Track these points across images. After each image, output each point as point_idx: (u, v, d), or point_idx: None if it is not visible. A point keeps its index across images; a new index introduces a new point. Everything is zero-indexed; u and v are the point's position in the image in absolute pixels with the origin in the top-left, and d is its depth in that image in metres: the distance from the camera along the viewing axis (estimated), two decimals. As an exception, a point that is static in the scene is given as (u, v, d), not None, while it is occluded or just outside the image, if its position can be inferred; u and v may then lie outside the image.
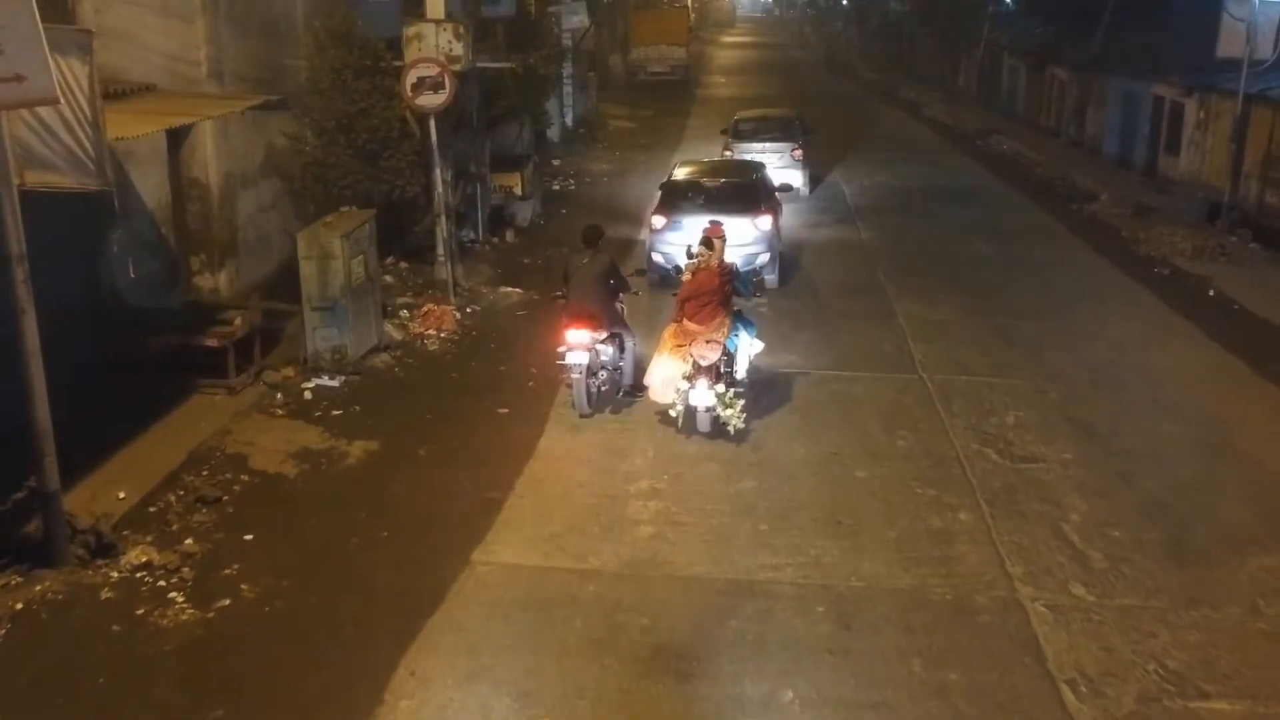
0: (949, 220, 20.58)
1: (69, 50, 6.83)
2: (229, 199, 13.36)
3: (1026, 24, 35.98)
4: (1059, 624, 7.32)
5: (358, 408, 10.93)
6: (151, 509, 8.64)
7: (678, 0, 44.56)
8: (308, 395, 11.10)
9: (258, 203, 14.12)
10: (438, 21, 13.75)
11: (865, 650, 7.01)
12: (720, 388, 10.10)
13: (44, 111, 6.88)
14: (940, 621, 7.34)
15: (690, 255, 10.85)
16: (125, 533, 8.18)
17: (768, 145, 21.76)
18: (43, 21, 6.84)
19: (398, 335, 12.91)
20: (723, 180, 16.48)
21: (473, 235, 17.04)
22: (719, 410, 10.09)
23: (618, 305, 11.08)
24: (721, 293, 10.36)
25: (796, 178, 21.05)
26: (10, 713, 6.36)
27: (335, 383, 11.40)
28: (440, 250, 14.36)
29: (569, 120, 28.94)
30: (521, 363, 12.41)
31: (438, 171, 14.11)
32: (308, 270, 11.51)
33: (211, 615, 7.29)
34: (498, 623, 7.28)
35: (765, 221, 15.17)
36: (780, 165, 20.71)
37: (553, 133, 25.16)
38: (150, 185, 11.98)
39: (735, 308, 10.69)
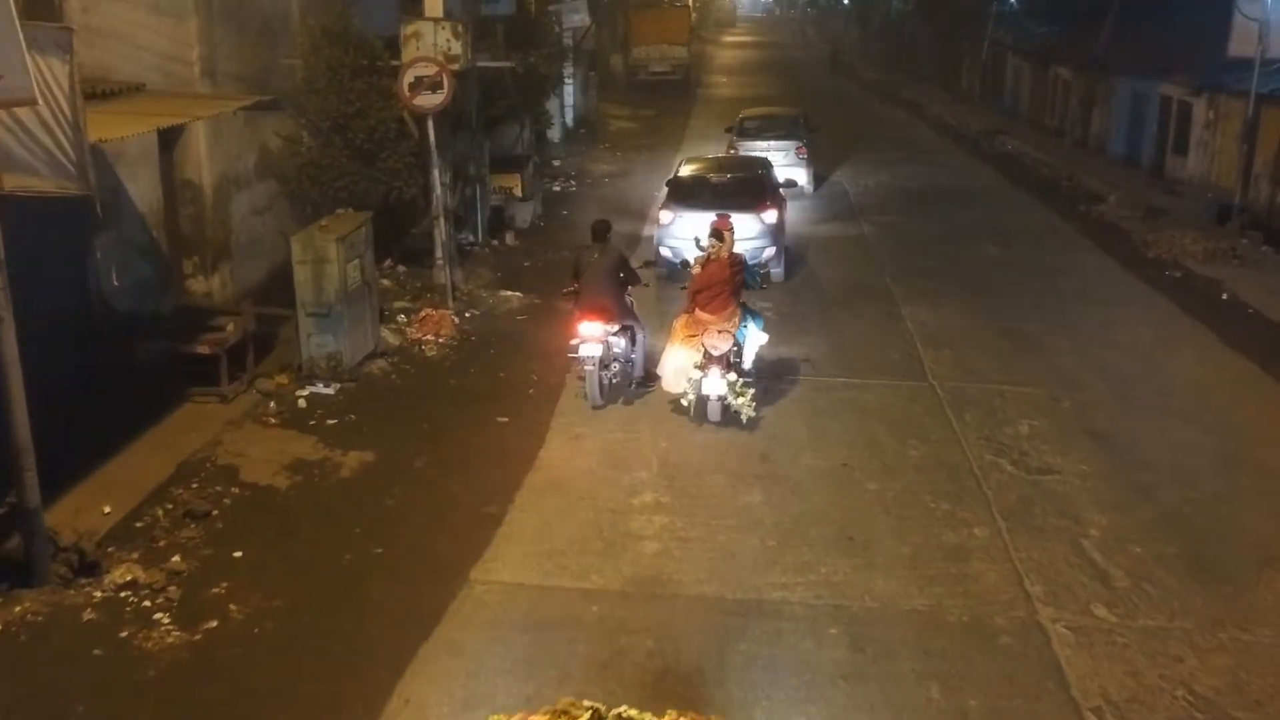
0: (954, 221, 20.28)
1: (48, 48, 6.53)
2: (223, 201, 13.07)
3: (1029, 24, 35.73)
4: (1082, 647, 7.02)
5: (353, 416, 10.63)
6: (138, 524, 8.35)
7: (679, -1, 44.34)
8: (302, 403, 10.81)
9: (252, 205, 13.83)
10: (436, 20, 13.44)
11: (880, 675, 6.71)
12: (732, 376, 10.31)
13: (21, 112, 6.58)
14: (958, 644, 7.04)
15: (700, 247, 10.96)
16: (110, 549, 7.89)
17: (772, 143, 21.70)
18: (25, 19, 6.55)
19: (395, 341, 12.61)
20: (729, 176, 16.75)
21: (472, 238, 16.74)
22: (730, 399, 10.28)
23: (627, 298, 11.15)
24: (732, 283, 10.57)
25: (801, 175, 21.02)
26: (-15, 743, 6.09)
27: (330, 390, 11.11)
28: (438, 253, 14.06)
29: (570, 120, 28.66)
30: (522, 369, 12.11)
31: (436, 173, 13.80)
32: (302, 275, 11.21)
33: (198, 638, 6.99)
34: (497, 646, 6.98)
35: (771, 216, 15.39)
36: (785, 163, 20.60)
37: (553, 133, 24.88)
38: (141, 187, 11.68)
39: (742, 299, 10.85)
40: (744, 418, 10.28)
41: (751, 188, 16.05)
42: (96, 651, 6.80)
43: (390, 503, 8.96)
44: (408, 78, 13.21)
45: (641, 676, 6.69)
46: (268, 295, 12.91)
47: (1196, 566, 8.07)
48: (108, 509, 8.38)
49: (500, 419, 10.71)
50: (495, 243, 17.46)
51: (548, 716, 3.70)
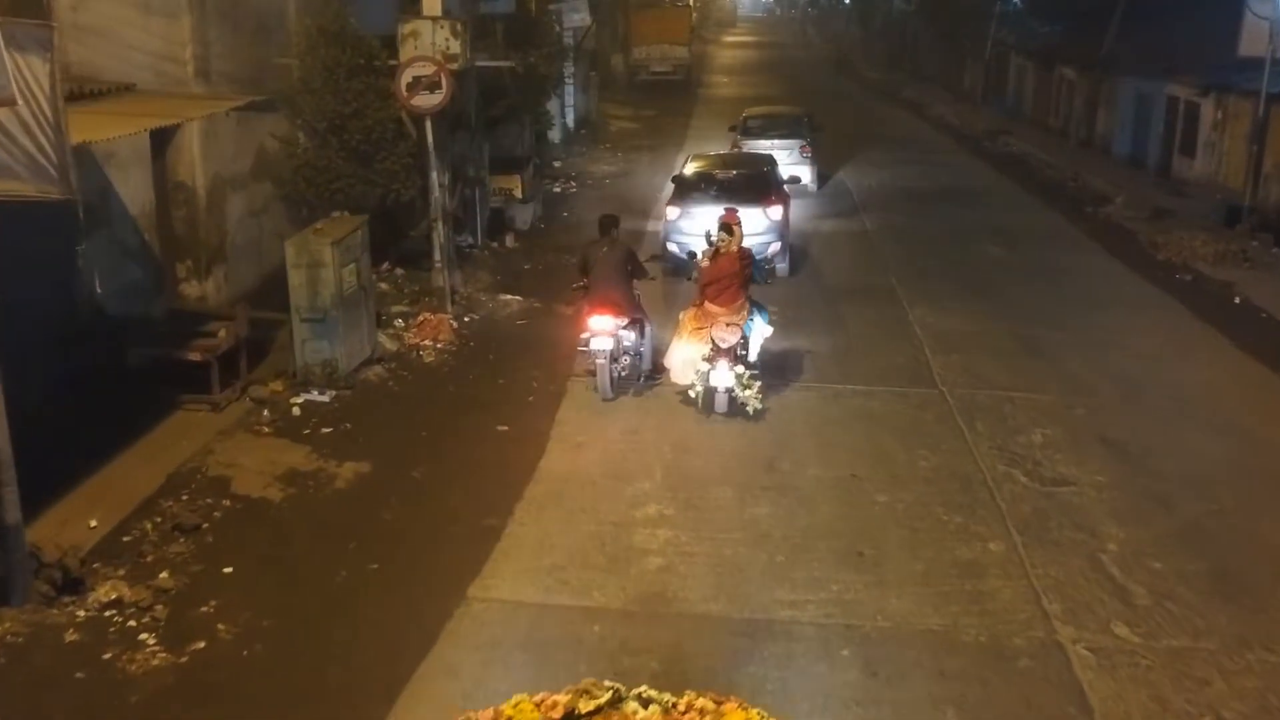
0: (959, 222, 20.03)
1: (28, 47, 6.26)
2: (217, 203, 12.81)
3: (1033, 23, 35.45)
4: (1104, 670, 6.75)
5: (348, 425, 10.36)
6: (126, 538, 8.07)
7: (679, -1, 44.02)
8: (296, 411, 10.54)
9: (248, 206, 13.57)
10: (434, 18, 13.16)
11: (895, 700, 6.44)
12: (739, 369, 10.43)
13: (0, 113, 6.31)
14: (975, 667, 6.77)
15: (710, 241, 11.03)
16: (95, 565, 7.61)
17: (776, 142, 21.68)
18: (10, 16, 6.29)
19: (392, 346, 12.34)
20: (734, 172, 16.95)
21: (471, 240, 16.46)
22: (737, 391, 10.40)
23: (634, 291, 11.28)
24: (741, 276, 10.70)
25: (806, 173, 21.00)
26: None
27: (325, 398, 10.83)
28: (437, 256, 13.77)
29: (570, 121, 28.39)
30: (522, 375, 11.85)
31: (434, 174, 13.52)
32: (296, 279, 10.94)
33: (185, 660, 6.71)
34: (495, 668, 6.71)
35: (776, 211, 15.61)
36: (789, 162, 20.43)
37: (554, 134, 24.63)
38: (132, 189, 11.41)
39: (749, 292, 10.98)
40: (750, 409, 10.38)
41: (757, 184, 16.21)
42: (78, 675, 6.52)
43: (386, 515, 8.69)
44: (405, 77, 12.93)
45: (646, 701, 6.40)
46: (263, 299, 12.62)
47: (1219, 582, 7.80)
48: (94, 523, 8.11)
49: (500, 427, 10.45)
50: (495, 245, 17.18)
51: (570, 695, 3.71)
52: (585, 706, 3.72)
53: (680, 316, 11.00)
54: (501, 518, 8.60)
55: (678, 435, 10.27)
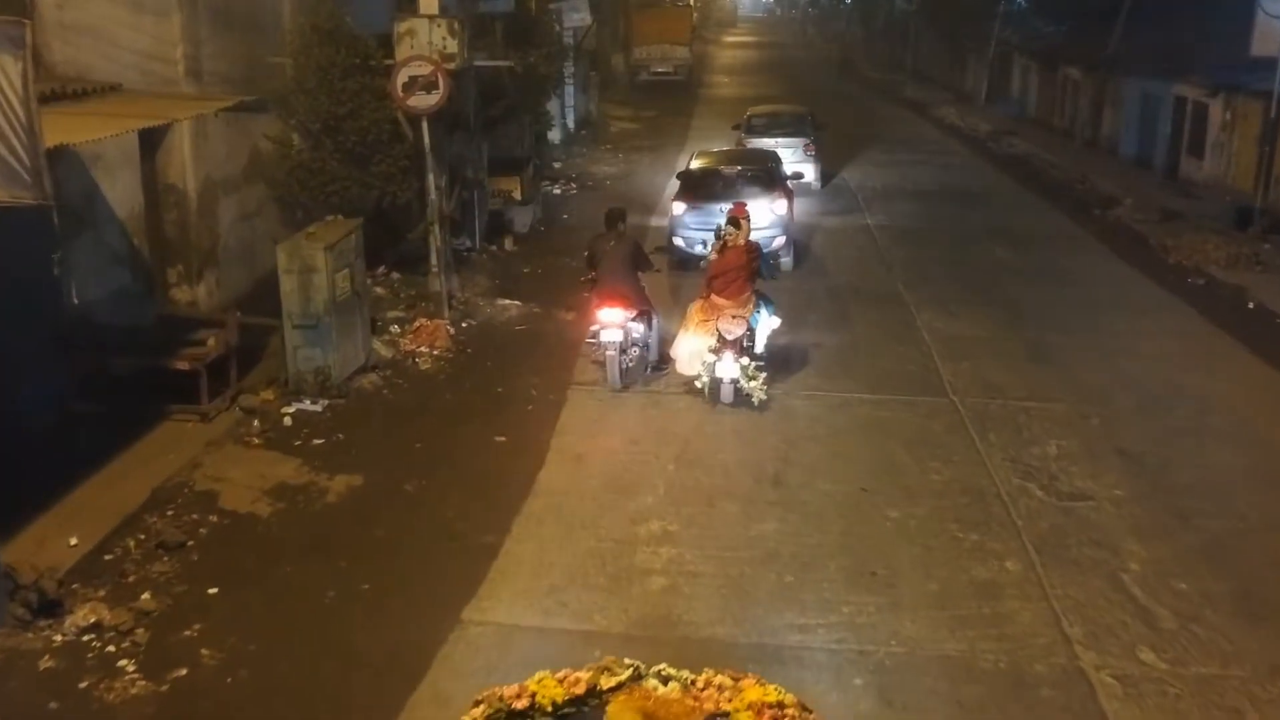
0: (966, 224, 19.72)
1: (-1, 44, 5.95)
2: (209, 206, 12.52)
3: (1036, 23, 35.14)
4: (1130, 699, 6.43)
5: (341, 436, 10.04)
6: (107, 556, 7.76)
7: (680, -1, 43.73)
8: (288, 421, 10.23)
9: (241, 209, 13.28)
10: (431, 17, 12.86)
11: (912, 733, 6.14)
12: (745, 360, 10.61)
13: (-31, 115, 6.00)
14: (994, 696, 6.45)
15: (718, 235, 11.25)
16: (74, 586, 7.30)
17: (780, 140, 21.70)
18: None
19: (387, 353, 12.02)
20: (739, 167, 17.30)
21: (469, 243, 16.14)
22: (742, 382, 10.59)
23: (641, 283, 11.47)
24: (748, 269, 10.92)
25: (809, 171, 21.22)
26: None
27: (318, 407, 10.53)
28: (434, 260, 13.47)
29: (570, 122, 28.08)
30: (520, 383, 11.53)
31: (431, 177, 13.21)
32: (288, 285, 10.63)
33: (165, 688, 6.40)
34: (491, 697, 6.38)
35: (781, 206, 15.82)
36: (793, 160, 20.42)
37: (554, 134, 24.32)
38: (120, 192, 11.12)
39: (755, 285, 11.16)
40: (755, 400, 10.58)
41: (761, 179, 16.48)
42: (53, 705, 6.21)
43: (379, 532, 8.37)
44: (401, 77, 12.62)
45: (650, 733, 6.09)
46: (257, 303, 12.31)
47: (1246, 603, 7.49)
48: (74, 540, 7.79)
49: (498, 438, 10.13)
50: (493, 248, 16.87)
51: (592, 673, 3.88)
52: (607, 682, 3.85)
53: (688, 309, 11.15)
54: (498, 534, 8.28)
55: (681, 446, 9.95)
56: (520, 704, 3.81)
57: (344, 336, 10.96)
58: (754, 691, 3.80)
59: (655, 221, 18.34)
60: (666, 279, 13.71)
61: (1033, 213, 21.18)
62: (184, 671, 6.55)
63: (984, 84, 38.02)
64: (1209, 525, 8.58)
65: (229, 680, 6.52)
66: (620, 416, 10.75)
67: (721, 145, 22.65)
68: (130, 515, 8.26)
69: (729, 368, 10.55)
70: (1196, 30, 22.89)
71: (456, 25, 12.97)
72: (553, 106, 22.43)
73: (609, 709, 3.73)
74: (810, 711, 3.88)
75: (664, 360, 11.44)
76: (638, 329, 11.30)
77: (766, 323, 11.11)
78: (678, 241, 15.64)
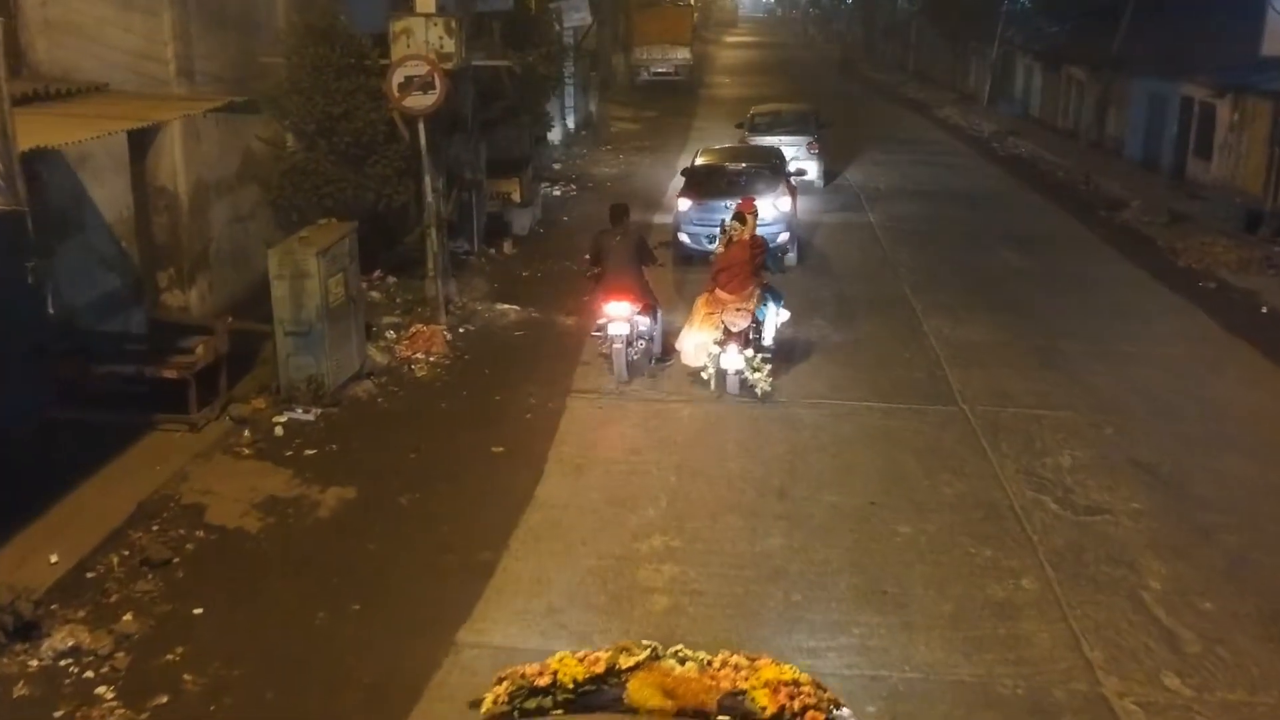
0: (971, 226, 19.44)
1: (-31, 43, 5.66)
2: (200, 209, 12.23)
3: (1040, 22, 34.83)
4: (1156, 728, 6.16)
5: (334, 446, 9.76)
6: (89, 574, 7.48)
7: (681, -2, 43.40)
8: (279, 431, 9.94)
9: (234, 212, 12.98)
10: (427, 15, 12.57)
11: (929, 766, 5.85)
12: (749, 352, 10.78)
13: (-61, 116, 5.72)
14: (1014, 725, 6.18)
15: (724, 229, 11.50)
16: (54, 607, 7.02)
17: (784, 138, 21.63)
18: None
19: (382, 360, 11.74)
20: (744, 164, 17.52)
21: (467, 247, 15.86)
22: (747, 373, 10.76)
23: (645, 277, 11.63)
24: (752, 263, 11.03)
25: (812, 168, 21.31)
26: None
27: (310, 416, 10.24)
28: (430, 264, 13.17)
29: (570, 122, 27.80)
30: (519, 391, 11.24)
31: (428, 179, 12.92)
32: (279, 291, 10.34)
33: (144, 717, 6.11)
34: (486, 726, 6.09)
35: (785, 203, 15.99)
36: (796, 158, 20.30)
37: (554, 135, 24.03)
38: (109, 194, 10.82)
39: (764, 280, 11.34)
40: (759, 391, 10.75)
41: (766, 175, 16.68)
42: (26, 736, 5.94)
43: (371, 548, 8.08)
44: (397, 77, 12.32)
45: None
46: (251, 308, 12.01)
47: (1273, 625, 7.20)
48: (55, 558, 7.50)
49: (495, 448, 9.84)
50: (492, 251, 16.58)
51: (611, 652, 3.96)
52: (626, 662, 3.92)
53: (695, 302, 11.30)
54: (495, 550, 8.00)
55: (683, 456, 9.68)
56: (542, 681, 3.90)
57: (337, 343, 10.68)
58: (770, 670, 3.88)
59: (658, 219, 18.27)
60: (671, 275, 13.85)
61: (1038, 214, 20.90)
62: (165, 699, 6.26)
63: (986, 84, 37.74)
64: (1231, 541, 8.30)
65: (211, 708, 6.23)
66: (621, 425, 10.48)
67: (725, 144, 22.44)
68: (114, 530, 7.98)
69: (733, 359, 10.72)
70: (1203, 29, 22.60)
71: (454, 24, 12.68)
72: (552, 107, 22.16)
73: (630, 685, 3.80)
74: (825, 690, 3.92)
75: (668, 353, 11.58)
76: (643, 322, 11.43)
77: (775, 316, 11.27)
78: (683, 238, 15.75)
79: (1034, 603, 7.40)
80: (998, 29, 35.86)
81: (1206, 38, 22.42)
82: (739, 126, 23.65)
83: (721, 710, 3.72)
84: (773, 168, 17.26)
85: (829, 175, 22.74)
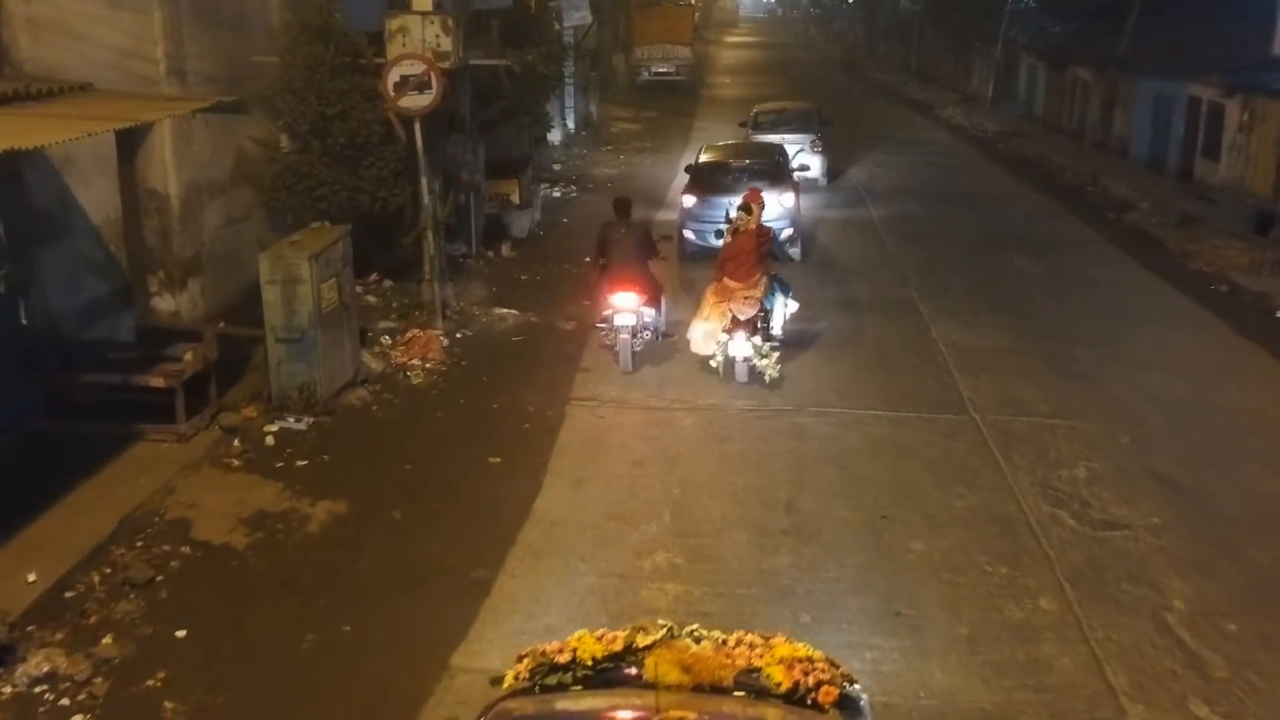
0: (978, 228, 19.10)
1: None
2: (192, 211, 11.94)
3: (1044, 21, 34.54)
4: (1185, 761, 5.86)
5: (326, 456, 9.46)
6: (68, 594, 7.19)
7: (682, -2, 43.10)
8: (270, 441, 9.65)
9: (227, 215, 12.70)
10: (424, 13, 12.31)
11: (947, 802, 5.55)
12: (757, 340, 10.99)
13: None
14: (1037, 758, 5.88)
15: (730, 220, 11.68)
16: (30, 629, 6.73)
17: (787, 136, 21.55)
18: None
19: (377, 366, 11.43)
20: (747, 160, 17.82)
21: (464, 250, 15.55)
22: (755, 360, 10.97)
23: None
24: (758, 253, 11.21)
25: (815, 165, 21.33)
26: None
27: (302, 425, 9.95)
28: (427, 268, 12.88)
29: (570, 122, 27.51)
30: (517, 399, 10.94)
31: (424, 180, 12.63)
32: (271, 296, 10.06)
33: (121, 750, 5.83)
34: (481, 759, 5.80)
35: (789, 198, 16.25)
36: (800, 154, 20.14)
37: (554, 136, 23.74)
38: (96, 197, 10.55)
39: (773, 270, 11.60)
40: (767, 378, 10.94)
41: (769, 172, 16.82)
42: (-4, 770, 5.65)
43: (363, 565, 7.78)
44: (393, 77, 12.05)
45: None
46: (244, 313, 11.71)
47: (1303, 648, 6.91)
48: (33, 577, 7.22)
49: (492, 459, 9.54)
50: (490, 254, 16.28)
51: (629, 631, 4.12)
52: (643, 641, 4.03)
53: (704, 292, 11.51)
54: (491, 568, 7.70)
55: (687, 469, 9.38)
56: (562, 658, 4.03)
57: (331, 350, 10.39)
58: (784, 648, 4.07)
59: (661, 216, 18.22)
60: (676, 270, 13.97)
61: (1045, 216, 20.58)
62: (143, 729, 5.98)
63: (990, 84, 37.42)
64: (1256, 558, 8.00)
65: (192, 739, 5.94)
66: (622, 435, 10.18)
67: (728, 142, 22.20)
68: (95, 547, 7.68)
69: (741, 346, 10.93)
70: (1210, 28, 22.29)
71: (451, 22, 12.41)
72: (552, 107, 21.85)
73: (648, 660, 3.92)
74: (839, 666, 4.06)
75: (668, 333, 12.02)
76: (648, 313, 11.63)
77: (783, 306, 11.47)
78: (688, 234, 15.89)
79: (1053, 624, 7.10)
80: (1001, 28, 35.56)
81: (1213, 37, 22.13)
82: (742, 124, 23.59)
83: (737, 686, 3.88)
84: (776, 165, 17.47)
85: (832, 174, 22.51)
